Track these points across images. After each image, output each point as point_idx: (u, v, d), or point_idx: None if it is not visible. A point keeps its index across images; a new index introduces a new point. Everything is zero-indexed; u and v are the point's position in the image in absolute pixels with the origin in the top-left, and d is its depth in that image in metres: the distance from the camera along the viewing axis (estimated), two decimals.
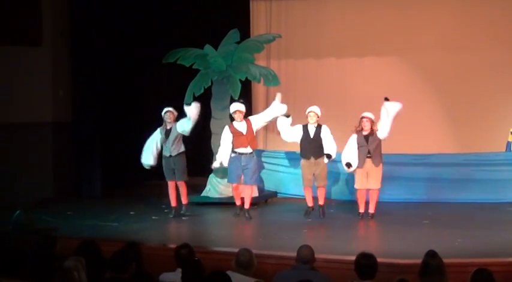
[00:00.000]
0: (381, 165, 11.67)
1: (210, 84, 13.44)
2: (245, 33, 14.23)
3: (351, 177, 12.48)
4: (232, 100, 13.36)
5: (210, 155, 13.25)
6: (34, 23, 14.01)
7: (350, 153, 11.61)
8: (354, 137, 11.67)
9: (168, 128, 12.06)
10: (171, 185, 12.22)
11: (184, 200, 12.21)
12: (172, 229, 11.13)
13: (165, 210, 12.79)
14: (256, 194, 12.74)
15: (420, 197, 13.27)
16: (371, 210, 11.78)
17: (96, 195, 14.50)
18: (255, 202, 12.76)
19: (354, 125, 13.67)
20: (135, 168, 12.88)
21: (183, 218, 12.03)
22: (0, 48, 13.75)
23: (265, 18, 14.95)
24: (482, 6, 13.99)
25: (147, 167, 12.21)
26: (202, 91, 13.41)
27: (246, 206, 11.93)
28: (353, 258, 6.66)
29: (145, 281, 6.16)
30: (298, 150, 12.11)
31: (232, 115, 12.07)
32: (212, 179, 13.36)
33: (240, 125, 11.94)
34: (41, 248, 7.50)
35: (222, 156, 11.96)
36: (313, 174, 11.74)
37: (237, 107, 11.98)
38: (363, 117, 11.62)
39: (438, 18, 13.89)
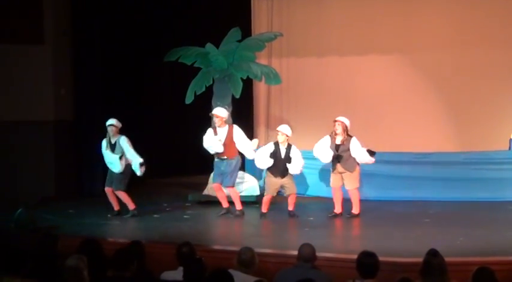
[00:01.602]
0: (356, 168, 11.77)
1: (211, 82, 13.44)
2: (246, 32, 14.22)
3: None
4: (234, 98, 13.39)
5: (210, 153, 13.23)
6: (36, 22, 14.01)
7: (321, 147, 11.78)
8: (327, 138, 11.78)
9: (113, 142, 11.98)
10: (108, 191, 12.13)
11: (132, 206, 12.09)
12: (173, 227, 11.12)
13: (167, 209, 12.80)
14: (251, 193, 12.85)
15: (421, 195, 13.27)
16: (354, 211, 11.86)
17: (98, 194, 14.49)
18: (257, 201, 12.78)
19: (354, 123, 13.74)
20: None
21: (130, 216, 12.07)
22: (2, 46, 13.75)
23: (267, 17, 14.93)
24: (486, 5, 13.94)
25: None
26: (203, 89, 13.41)
27: (238, 207, 12.08)
28: (355, 256, 6.68)
29: (146, 279, 6.17)
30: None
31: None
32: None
33: (221, 132, 12.00)
34: (42, 247, 7.51)
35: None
36: (282, 186, 11.86)
37: (215, 111, 12.12)
38: (335, 121, 11.72)
39: (441, 17, 13.87)
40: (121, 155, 11.81)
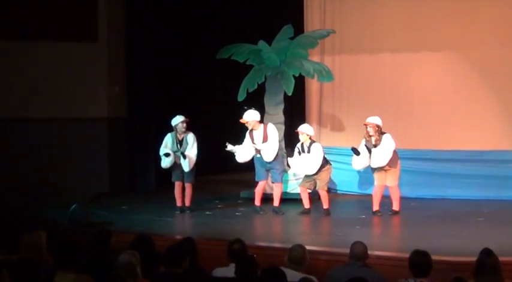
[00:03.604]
0: (398, 164, 11.78)
1: (263, 80, 13.45)
2: (299, 29, 14.19)
3: (402, 175, 12.39)
4: (286, 96, 13.38)
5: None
6: (90, 20, 14.17)
7: (362, 156, 11.86)
8: (362, 142, 11.85)
9: (181, 138, 12.07)
10: (178, 185, 12.25)
11: (188, 203, 12.28)
12: (225, 224, 11.16)
13: (219, 206, 12.85)
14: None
15: (475, 194, 13.12)
16: (395, 207, 11.87)
17: (151, 190, 14.63)
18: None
19: (407, 121, 13.59)
20: None
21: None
22: (57, 44, 13.93)
23: (319, 14, 14.86)
24: None
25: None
26: (256, 87, 13.42)
27: (276, 203, 12.17)
28: (407, 255, 6.63)
29: (198, 275, 6.20)
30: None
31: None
32: None
33: (257, 134, 12.07)
34: (96, 242, 7.59)
35: (238, 148, 12.23)
36: (314, 179, 11.94)
37: (244, 117, 12.13)
38: (365, 124, 11.77)
39: (496, 13, 13.66)
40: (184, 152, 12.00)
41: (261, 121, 12.45)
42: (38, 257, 6.76)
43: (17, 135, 13.69)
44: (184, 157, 11.94)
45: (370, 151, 11.73)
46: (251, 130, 12.18)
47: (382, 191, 11.90)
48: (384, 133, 11.71)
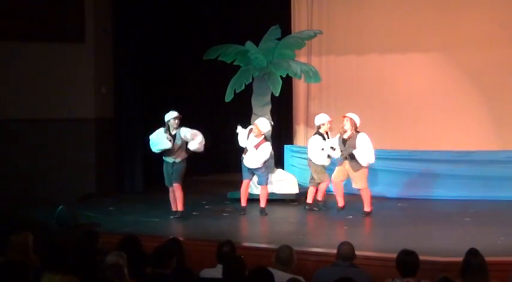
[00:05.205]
0: (361, 169, 11.62)
1: (251, 80, 13.47)
2: (286, 30, 14.22)
3: (390, 175, 12.42)
4: (273, 96, 13.39)
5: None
6: (77, 20, 14.13)
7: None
8: (337, 136, 11.91)
9: (173, 133, 11.80)
10: (172, 190, 11.87)
11: (180, 207, 11.81)
12: (213, 225, 11.15)
13: (206, 207, 12.84)
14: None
15: (462, 194, 13.16)
16: (365, 208, 11.79)
17: (138, 191, 14.61)
18: (295, 199, 12.76)
19: (395, 122, 13.62)
20: None
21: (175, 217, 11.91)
22: (44, 44, 13.89)
23: (307, 14, 14.90)
24: None
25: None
26: (243, 88, 13.44)
27: (262, 205, 12.09)
28: (394, 255, 6.65)
29: (186, 276, 6.19)
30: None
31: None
32: None
33: (252, 141, 12.02)
34: (83, 243, 7.57)
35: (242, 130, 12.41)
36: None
37: (257, 121, 12.17)
38: (344, 117, 11.77)
39: (482, 14, 13.72)
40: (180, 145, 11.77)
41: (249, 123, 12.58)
42: (25, 259, 6.73)
43: (3, 136, 13.63)
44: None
45: (344, 145, 11.70)
46: (250, 130, 12.18)
47: (340, 186, 11.91)
48: (359, 132, 11.66)
